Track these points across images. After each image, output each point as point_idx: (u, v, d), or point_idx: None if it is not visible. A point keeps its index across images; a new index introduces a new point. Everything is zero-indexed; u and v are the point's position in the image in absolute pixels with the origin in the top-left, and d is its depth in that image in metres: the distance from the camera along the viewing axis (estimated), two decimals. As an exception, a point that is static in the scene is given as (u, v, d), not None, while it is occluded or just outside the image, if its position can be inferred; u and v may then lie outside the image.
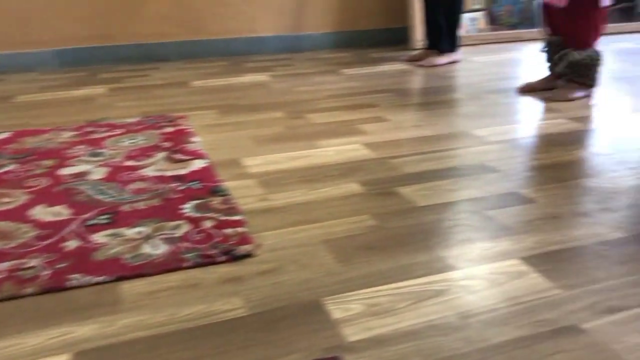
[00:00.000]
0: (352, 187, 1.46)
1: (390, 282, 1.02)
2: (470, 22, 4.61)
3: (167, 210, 1.31)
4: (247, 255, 1.12)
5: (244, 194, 1.42)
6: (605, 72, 2.35)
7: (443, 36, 3.03)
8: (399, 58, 3.25)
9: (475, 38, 3.85)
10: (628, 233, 1.18)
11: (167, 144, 1.78)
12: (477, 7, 4.60)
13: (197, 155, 1.67)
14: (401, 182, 1.48)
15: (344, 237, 1.19)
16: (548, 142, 1.78)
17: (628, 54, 3.25)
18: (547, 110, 2.13)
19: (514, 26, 4.57)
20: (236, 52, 3.49)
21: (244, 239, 1.17)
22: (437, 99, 2.35)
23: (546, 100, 2.24)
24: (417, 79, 2.76)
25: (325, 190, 1.44)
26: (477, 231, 1.21)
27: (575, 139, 1.79)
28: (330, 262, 1.09)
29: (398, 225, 1.24)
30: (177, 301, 0.99)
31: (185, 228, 1.22)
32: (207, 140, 1.85)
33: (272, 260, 1.11)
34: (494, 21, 4.70)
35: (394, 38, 3.74)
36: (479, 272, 1.05)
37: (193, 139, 1.83)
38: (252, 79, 2.80)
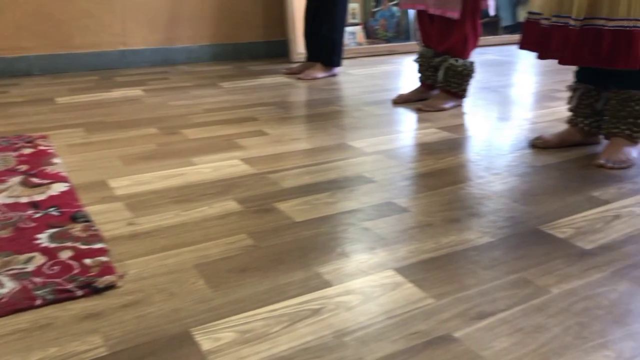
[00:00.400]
0: (229, 205, 1.40)
1: (265, 305, 0.97)
2: (350, 35, 4.73)
3: (19, 242, 1.17)
4: (110, 287, 1.02)
5: (108, 219, 1.31)
6: (474, 82, 2.47)
7: (329, 50, 3.04)
8: (279, 71, 3.24)
9: (353, 51, 3.94)
10: (495, 237, 1.22)
11: (23, 167, 1.62)
12: (354, 21, 4.74)
13: (58, 179, 1.53)
14: (280, 197, 1.45)
15: (218, 259, 1.13)
16: (421, 151, 1.83)
17: (493, 65, 3.47)
18: (420, 120, 2.20)
19: (389, 40, 4.75)
20: (107, 66, 3.30)
21: (106, 270, 1.07)
22: (316, 111, 2.35)
23: (419, 110, 2.32)
24: (297, 92, 2.76)
25: (199, 210, 1.37)
26: (353, 244, 1.19)
27: (446, 147, 1.86)
28: (202, 289, 1.03)
29: (275, 243, 1.20)
30: (25, 346, 0.87)
31: (39, 261, 1.10)
32: (71, 161, 1.70)
33: (137, 291, 1.02)
34: (371, 35, 4.86)
35: (274, 51, 3.73)
36: (355, 286, 1.03)
37: (54, 161, 1.68)
38: (123, 94, 2.65)
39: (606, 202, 1.39)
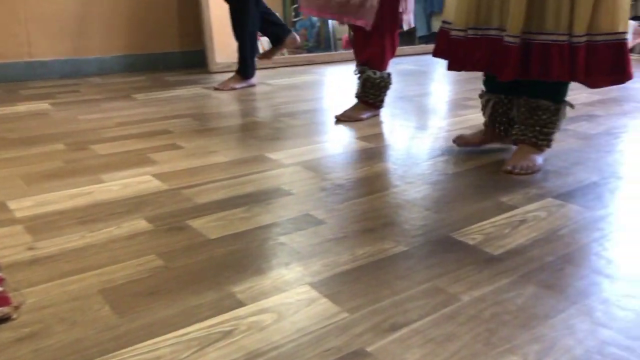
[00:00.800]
0: (139, 224, 1.34)
1: (174, 330, 0.93)
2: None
3: None
4: (4, 320, 0.95)
5: (6, 244, 1.22)
6: (390, 92, 2.52)
7: (241, 61, 3.02)
8: (197, 81, 3.17)
9: (274, 61, 3.92)
10: (408, 246, 1.24)
11: None
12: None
13: (-51, 202, 1.42)
14: (193, 214, 1.40)
15: (125, 283, 1.08)
16: (339, 161, 1.83)
17: (408, 74, 3.56)
18: (337, 130, 2.21)
19: (310, 49, 4.78)
20: (11, 79, 3.12)
21: (0, 300, 0.99)
22: (233, 123, 2.32)
23: (337, 120, 2.33)
24: (214, 103, 2.71)
25: (107, 230, 1.31)
26: (268, 260, 1.17)
27: (363, 157, 1.87)
28: (107, 315, 0.97)
29: (186, 263, 1.16)
30: None
31: None
32: (-35, 182, 1.58)
33: (36, 322, 0.95)
34: (292, 44, 4.87)
35: (191, 61, 3.66)
36: (269, 304, 1.01)
37: (-54, 182, 1.55)
38: (28, 108, 2.51)
39: (513, 207, 1.45)
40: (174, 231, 1.31)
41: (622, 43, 1.56)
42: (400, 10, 2.28)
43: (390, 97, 2.74)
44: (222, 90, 2.96)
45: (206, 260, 1.17)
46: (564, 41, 1.57)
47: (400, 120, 2.39)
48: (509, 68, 1.62)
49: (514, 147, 1.82)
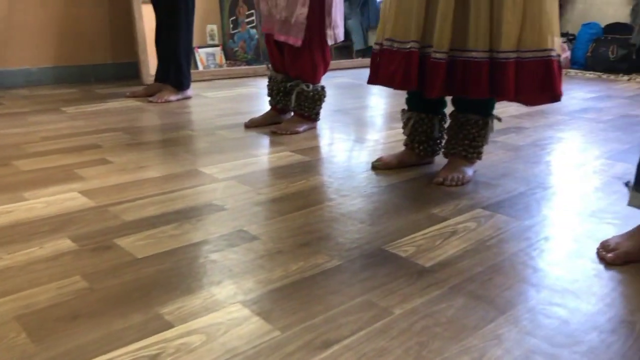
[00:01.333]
0: (63, 244, 1.28)
1: (96, 356, 0.88)
2: (208, 57, 4.66)
3: None
4: None
5: None
6: (328, 105, 2.53)
7: (176, 72, 2.96)
8: (123, 94, 3.08)
9: (211, 73, 3.88)
10: (342, 260, 1.23)
11: None
12: (213, 42, 4.68)
13: None
14: (121, 232, 1.35)
15: (45, 307, 1.02)
16: (274, 175, 1.82)
17: (346, 88, 3.60)
18: (274, 144, 2.20)
19: (249, 62, 4.75)
20: None
21: None
22: (166, 136, 2.26)
23: (272, 134, 2.32)
24: (147, 117, 2.64)
25: (27, 252, 1.24)
26: (199, 279, 1.14)
27: (299, 170, 1.87)
28: (23, 343, 0.92)
29: (112, 284, 1.11)
30: None
31: None
32: None
33: (-58, 354, 0.88)
34: (230, 57, 4.83)
35: (124, 73, 3.57)
36: (198, 325, 0.98)
37: None
38: (-55, 122, 2.37)
39: (444, 219, 1.47)
40: (100, 251, 1.25)
41: (549, 60, 1.57)
42: (326, 24, 2.30)
43: (327, 110, 2.75)
44: (157, 103, 2.89)
45: (133, 281, 1.12)
46: (482, 58, 1.57)
47: (337, 133, 2.40)
48: (437, 85, 1.62)
49: (445, 160, 1.86)
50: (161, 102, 2.89)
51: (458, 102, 1.77)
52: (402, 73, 1.68)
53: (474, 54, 1.59)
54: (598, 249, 1.29)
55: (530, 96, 1.64)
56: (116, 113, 2.66)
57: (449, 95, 1.70)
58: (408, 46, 1.66)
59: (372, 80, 1.79)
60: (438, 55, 1.61)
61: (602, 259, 1.26)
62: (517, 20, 1.55)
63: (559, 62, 1.60)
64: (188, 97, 3.03)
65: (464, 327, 0.99)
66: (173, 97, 2.95)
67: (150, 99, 2.93)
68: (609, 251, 1.26)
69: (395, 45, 1.69)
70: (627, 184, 1.34)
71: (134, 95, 3.03)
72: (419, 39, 1.64)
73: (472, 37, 1.58)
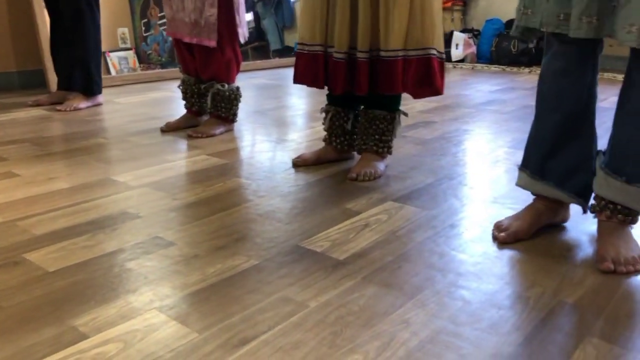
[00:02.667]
0: (-33, 263, 1.23)
1: (6, 374, 0.87)
2: (121, 61, 4.53)
3: None
4: None
5: None
6: (246, 106, 2.55)
7: (87, 78, 2.86)
8: (26, 103, 2.95)
9: (122, 79, 3.79)
10: (259, 260, 1.26)
11: None
12: (125, 45, 4.56)
13: None
14: (30, 246, 1.31)
15: (-51, 330, 0.98)
16: (191, 179, 1.81)
17: (263, 88, 3.62)
18: (191, 147, 2.19)
19: (164, 64, 4.67)
20: None
21: None
22: (77, 145, 2.20)
23: (189, 137, 2.31)
24: (56, 126, 2.55)
25: None
26: (114, 288, 1.13)
27: (216, 173, 1.87)
28: None
29: (22, 300, 1.08)
30: None
31: None
32: None
33: None
34: (144, 60, 4.72)
35: (29, 81, 3.42)
36: (114, 334, 0.97)
37: None
38: None
39: (358, 212, 1.53)
40: (9, 267, 1.21)
41: (431, 58, 1.72)
42: (236, 23, 2.33)
43: (245, 111, 2.77)
44: (65, 111, 2.79)
45: (45, 295, 1.10)
46: (364, 58, 1.71)
47: (255, 135, 2.42)
48: (339, 82, 1.75)
49: (358, 157, 1.93)
50: (70, 110, 2.80)
51: (366, 99, 1.84)
52: (312, 73, 1.81)
53: (363, 54, 1.71)
54: (493, 230, 1.40)
55: (414, 90, 1.76)
56: (22, 123, 2.55)
57: (352, 91, 1.78)
58: (314, 49, 1.79)
59: (294, 80, 1.88)
60: (339, 56, 1.74)
61: (495, 238, 1.37)
62: (405, 21, 1.68)
63: (439, 60, 1.75)
64: (99, 104, 2.94)
65: (374, 314, 1.04)
66: (83, 105, 2.85)
67: (59, 107, 2.83)
68: (501, 231, 1.37)
69: (306, 48, 1.80)
70: (518, 166, 1.46)
71: (37, 104, 2.91)
72: (323, 42, 1.77)
73: (361, 37, 1.70)
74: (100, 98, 2.95)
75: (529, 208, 1.41)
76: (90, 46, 2.83)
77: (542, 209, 1.40)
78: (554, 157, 1.36)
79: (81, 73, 2.84)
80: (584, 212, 1.39)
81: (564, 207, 1.44)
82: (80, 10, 2.76)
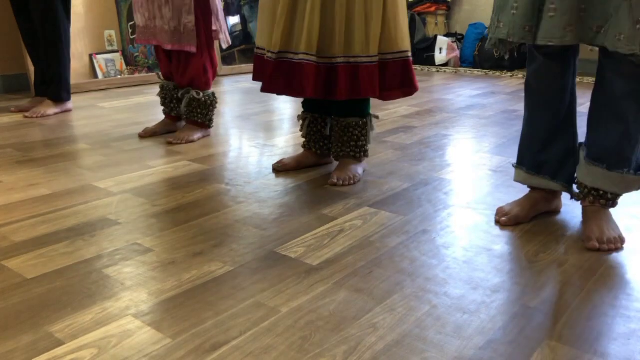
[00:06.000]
0: (-54, 270, 1.25)
1: (-18, 381, 0.89)
2: (108, 63, 4.54)
3: None
4: None
5: None
6: (228, 111, 2.57)
7: (57, 84, 2.84)
8: (9, 109, 2.96)
9: (108, 82, 3.80)
10: (234, 266, 1.29)
11: None
12: (112, 48, 4.56)
13: None
14: (9, 253, 1.33)
15: None
16: (171, 186, 1.84)
17: (247, 93, 3.64)
18: (171, 154, 2.21)
19: (151, 67, 4.68)
20: None
21: None
22: (59, 151, 2.22)
23: (168, 144, 2.33)
24: (38, 132, 2.56)
25: None
26: (91, 294, 1.16)
27: (196, 180, 1.90)
28: None
29: (0, 307, 1.11)
30: None
31: None
32: None
33: None
34: (131, 62, 4.73)
35: (12, 86, 3.42)
36: (89, 340, 1.00)
37: None
38: None
39: (333, 218, 1.57)
40: (-14, 274, 1.24)
41: (407, 60, 1.79)
42: (215, 28, 2.36)
43: (228, 116, 2.80)
44: (32, 118, 2.77)
45: (22, 302, 1.12)
46: (339, 63, 1.72)
47: (237, 140, 2.45)
48: (309, 86, 1.72)
49: (336, 162, 1.96)
50: (37, 117, 2.78)
51: (338, 107, 1.87)
52: (262, 74, 1.82)
53: (339, 59, 1.72)
54: (495, 215, 1.57)
55: (399, 91, 1.81)
56: (5, 129, 2.56)
57: (324, 97, 1.79)
58: (274, 56, 1.75)
59: (253, 77, 1.93)
60: (307, 58, 1.72)
61: (497, 222, 1.54)
62: (379, 27, 1.71)
63: (411, 59, 1.83)
64: (68, 110, 2.93)
65: (344, 319, 1.08)
66: (51, 111, 2.83)
67: (26, 114, 2.80)
68: (502, 215, 1.54)
69: (268, 54, 1.77)
70: (513, 165, 1.61)
71: (20, 110, 2.91)
72: (288, 49, 1.74)
73: (337, 43, 1.71)
74: (70, 104, 2.94)
75: (527, 197, 1.58)
76: (65, 53, 2.81)
77: (539, 198, 1.57)
78: (546, 152, 1.51)
79: (55, 80, 2.83)
80: (572, 197, 1.54)
81: (557, 196, 1.60)
82: (55, 19, 2.73)
